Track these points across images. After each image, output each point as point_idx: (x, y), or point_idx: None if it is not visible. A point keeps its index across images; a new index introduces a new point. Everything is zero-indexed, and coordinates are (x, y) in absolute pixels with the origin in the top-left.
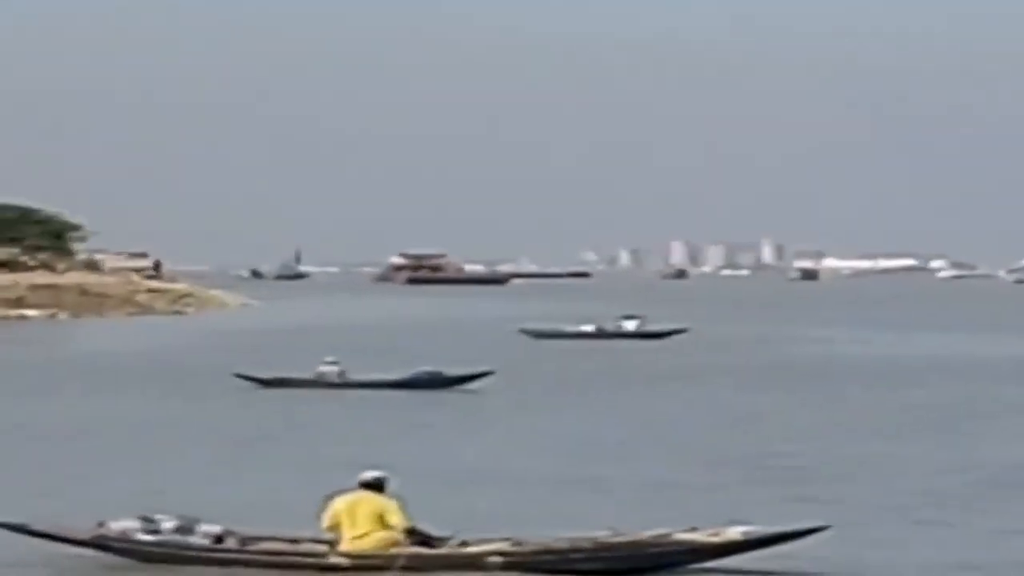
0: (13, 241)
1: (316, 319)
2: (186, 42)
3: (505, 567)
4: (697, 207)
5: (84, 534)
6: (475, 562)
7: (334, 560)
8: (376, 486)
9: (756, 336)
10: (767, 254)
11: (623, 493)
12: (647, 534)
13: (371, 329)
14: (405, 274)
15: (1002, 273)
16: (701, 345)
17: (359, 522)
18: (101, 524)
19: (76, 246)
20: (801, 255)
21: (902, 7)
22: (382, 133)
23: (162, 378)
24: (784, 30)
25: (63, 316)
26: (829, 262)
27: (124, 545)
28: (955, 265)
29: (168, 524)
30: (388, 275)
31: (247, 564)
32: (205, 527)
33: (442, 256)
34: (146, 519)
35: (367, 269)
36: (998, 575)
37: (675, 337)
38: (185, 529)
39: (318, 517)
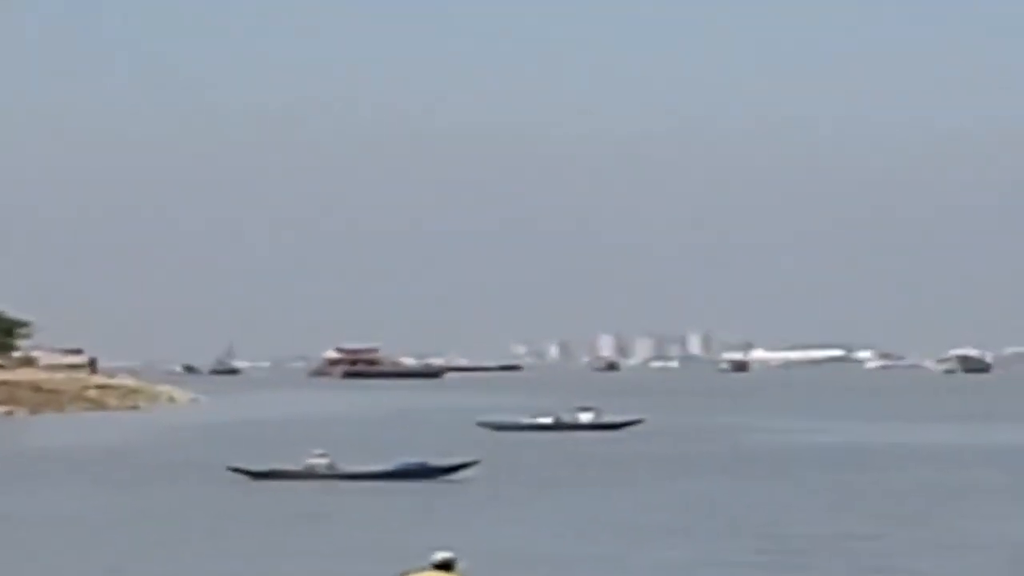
0: None
1: (270, 413)
2: (114, 141)
3: None
4: (624, 300)
5: None
6: None
7: None
8: (447, 566)
9: (709, 427)
10: (695, 345)
11: (634, 571)
12: None
13: (330, 422)
14: (341, 368)
15: (930, 363)
16: (659, 436)
17: None
18: None
19: (19, 343)
20: (729, 346)
21: (821, 100)
22: (308, 228)
23: (159, 473)
24: (710, 124)
25: (20, 413)
26: (757, 353)
27: None
28: (882, 355)
29: None
30: (324, 369)
31: None
32: None
33: (376, 350)
34: None
35: (297, 364)
36: None
37: (631, 428)
38: None
39: None
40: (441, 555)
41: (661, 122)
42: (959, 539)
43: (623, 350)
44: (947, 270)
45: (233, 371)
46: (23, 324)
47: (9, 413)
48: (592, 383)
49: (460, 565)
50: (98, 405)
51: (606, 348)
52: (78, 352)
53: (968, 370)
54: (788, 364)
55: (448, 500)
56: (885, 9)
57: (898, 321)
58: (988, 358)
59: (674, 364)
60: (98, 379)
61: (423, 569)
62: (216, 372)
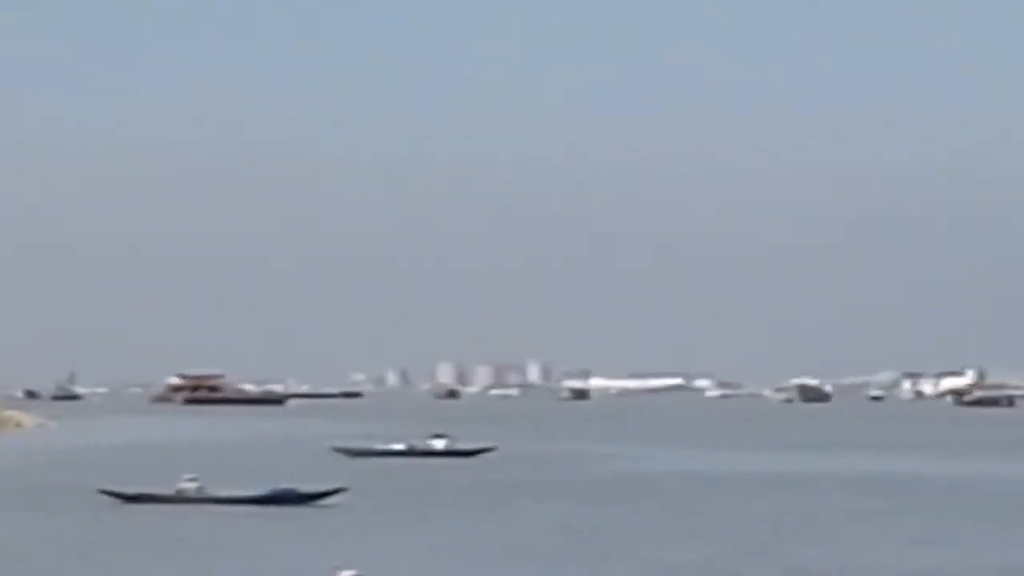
0: None
1: (121, 438)
2: None
3: None
4: (463, 327)
5: None
6: None
7: None
8: None
9: (560, 454)
10: (534, 373)
11: None
12: None
13: (183, 448)
14: (184, 394)
15: (768, 392)
16: (512, 463)
17: None
18: None
19: None
20: (568, 375)
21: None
22: (146, 254)
23: (28, 496)
24: (557, 154)
25: None
26: (596, 381)
27: None
28: (721, 384)
29: None
30: (166, 395)
31: None
32: None
33: (220, 376)
34: None
35: (135, 390)
36: None
37: (483, 455)
38: None
39: None
40: (347, 573)
41: (506, 149)
42: (825, 563)
43: (462, 378)
44: (786, 300)
45: (74, 396)
46: None
47: None
48: (433, 410)
49: None
50: None
51: (445, 375)
52: None
53: (807, 399)
54: (627, 392)
55: (319, 524)
56: None
57: (736, 350)
58: (827, 387)
59: (514, 392)
60: None
61: None
62: (57, 398)
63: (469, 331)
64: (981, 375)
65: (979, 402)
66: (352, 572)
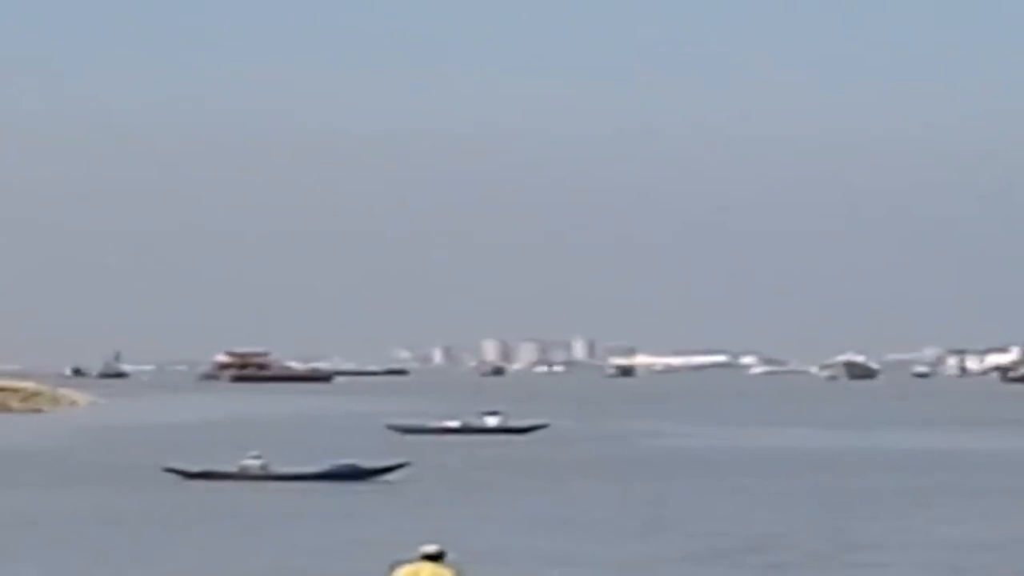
0: None
1: (174, 416)
2: None
3: None
4: (508, 305)
5: None
6: None
7: None
8: (437, 557)
9: (612, 431)
10: (579, 350)
11: (586, 565)
12: None
13: (238, 425)
14: (231, 372)
15: (814, 369)
16: (566, 440)
17: None
18: None
19: None
20: (613, 352)
21: (703, 105)
22: (190, 231)
23: (95, 473)
24: (595, 127)
25: None
26: (641, 358)
27: None
28: (766, 361)
29: None
30: (213, 373)
31: None
32: None
33: (266, 354)
34: None
35: (180, 367)
36: None
37: (536, 432)
38: None
39: None
40: (430, 547)
41: (549, 123)
42: (876, 540)
43: (507, 355)
44: (831, 277)
45: (121, 375)
46: None
47: None
48: (479, 388)
49: (448, 557)
50: (1, 408)
51: (490, 353)
52: None
53: (853, 376)
54: (672, 369)
55: (384, 500)
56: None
57: (781, 327)
58: (873, 364)
59: (559, 369)
60: None
61: (414, 561)
62: (104, 376)
63: (514, 309)
64: None
65: None
66: (436, 546)
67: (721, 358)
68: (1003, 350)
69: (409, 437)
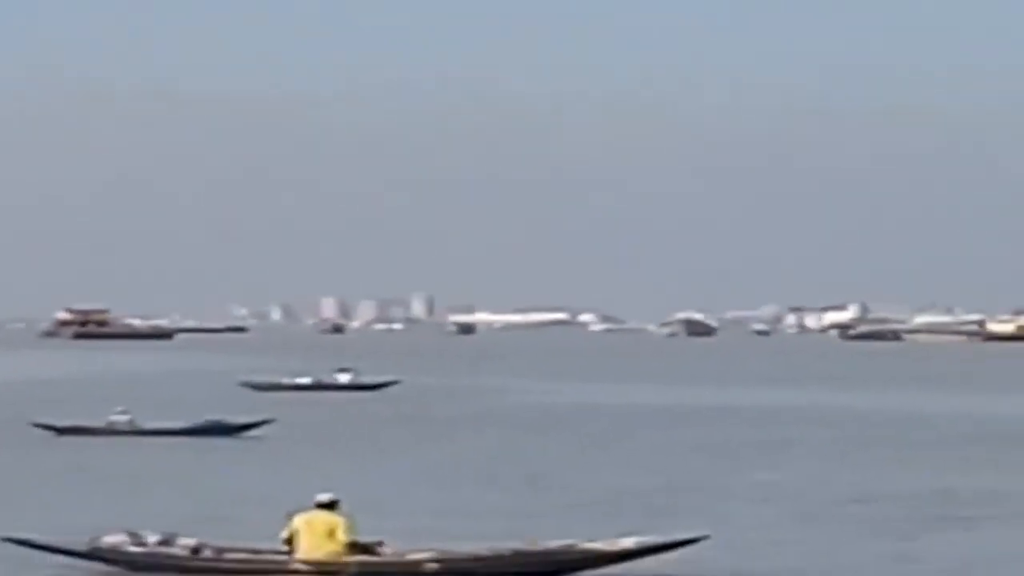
0: None
1: (19, 373)
2: None
3: (439, 573)
4: (346, 262)
5: (81, 546)
6: (414, 569)
7: (295, 567)
8: (330, 506)
9: (462, 388)
10: (418, 308)
11: (459, 515)
12: (556, 544)
13: (89, 382)
14: (72, 329)
15: (652, 327)
16: (417, 397)
17: (314, 535)
18: (95, 539)
19: None
20: (452, 309)
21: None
22: (26, 191)
23: None
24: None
25: None
26: (481, 315)
27: (116, 556)
28: (605, 319)
29: (152, 538)
30: (54, 330)
31: (221, 572)
32: (183, 540)
33: (106, 311)
34: (133, 534)
35: (18, 325)
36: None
37: (388, 389)
38: (166, 542)
39: (279, 531)
40: (324, 496)
41: (382, 76)
42: (744, 490)
43: (346, 312)
44: (670, 235)
45: None
46: None
47: None
48: (320, 345)
49: (341, 506)
50: None
51: (329, 310)
52: None
53: (692, 333)
54: (512, 327)
55: (254, 454)
56: None
57: (620, 286)
58: (712, 322)
59: (399, 327)
60: None
61: (309, 509)
62: None
63: (352, 266)
64: (864, 309)
65: (864, 336)
66: (329, 495)
67: (561, 316)
68: (841, 308)
69: (263, 394)
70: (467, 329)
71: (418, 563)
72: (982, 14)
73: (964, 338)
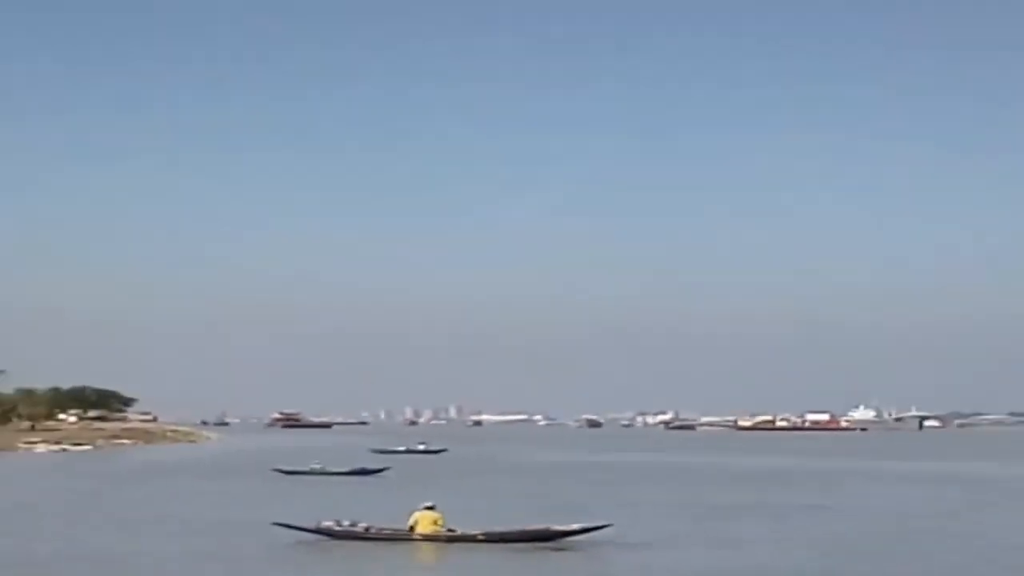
0: (98, 406)
1: (260, 445)
2: None
3: (483, 540)
4: (416, 388)
5: (311, 526)
6: (471, 538)
7: (417, 536)
8: (431, 507)
9: (479, 452)
10: (452, 412)
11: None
12: (533, 526)
13: (291, 449)
14: (281, 423)
15: (571, 423)
16: (458, 456)
17: (427, 522)
18: (317, 523)
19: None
20: (470, 412)
21: None
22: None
23: (227, 470)
24: None
25: (139, 443)
26: (485, 416)
27: (328, 531)
28: (547, 418)
29: (345, 522)
30: (272, 423)
31: (381, 539)
32: (360, 523)
33: (298, 413)
34: (336, 521)
35: (253, 420)
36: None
37: (443, 454)
38: (353, 524)
39: (406, 521)
40: (429, 503)
41: None
42: (621, 500)
43: (417, 414)
44: (579, 373)
45: (226, 424)
46: (132, 400)
47: (135, 443)
48: (406, 432)
49: (436, 508)
50: (175, 439)
51: (408, 413)
52: (148, 414)
53: (590, 426)
54: (501, 423)
55: (384, 486)
56: None
57: (553, 399)
58: (600, 419)
59: (443, 422)
60: (169, 427)
61: (420, 509)
62: (217, 424)
63: (419, 388)
64: (676, 413)
65: (676, 427)
66: (431, 502)
67: (523, 416)
68: (664, 412)
69: (383, 455)
70: (478, 424)
71: (473, 536)
72: None
73: (727, 429)
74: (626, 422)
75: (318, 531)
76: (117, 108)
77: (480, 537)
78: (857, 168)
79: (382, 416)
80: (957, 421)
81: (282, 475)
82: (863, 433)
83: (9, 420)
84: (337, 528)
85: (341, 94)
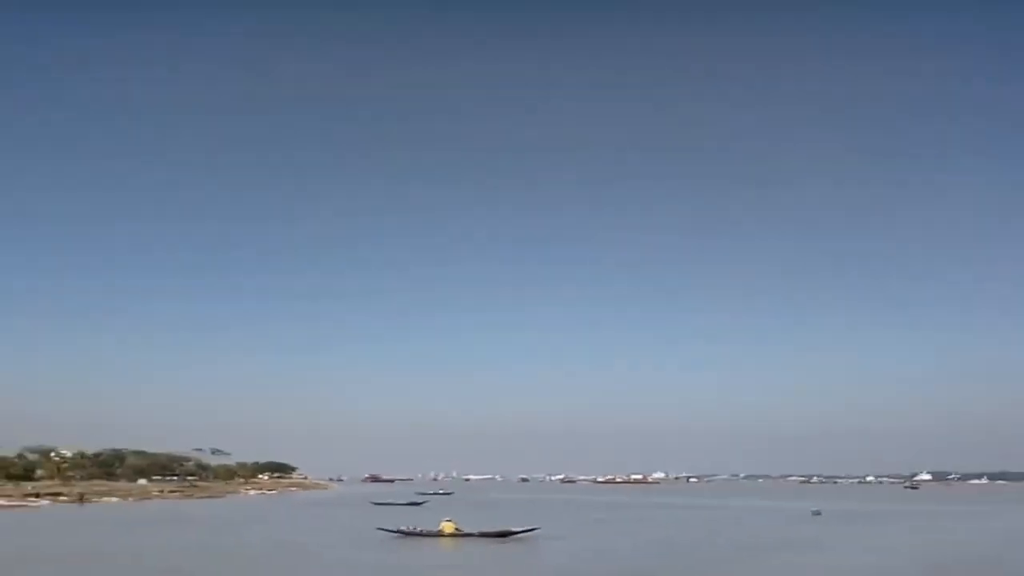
0: (278, 470)
1: (361, 491)
2: None
3: (479, 536)
4: (444, 460)
5: (395, 529)
6: (472, 535)
7: (446, 535)
8: (450, 520)
9: (481, 496)
10: (455, 473)
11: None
12: (504, 528)
13: (376, 494)
14: (370, 480)
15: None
16: (463, 498)
17: (447, 526)
18: (398, 528)
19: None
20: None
21: None
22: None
23: (345, 504)
24: None
25: (299, 490)
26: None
27: (406, 532)
28: (521, 479)
29: (410, 527)
30: (366, 481)
31: (426, 536)
32: (418, 528)
33: (379, 473)
34: (407, 527)
35: (344, 477)
36: None
37: (452, 495)
38: (414, 528)
39: (438, 525)
40: (448, 517)
41: None
42: (563, 518)
43: (436, 476)
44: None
45: (341, 479)
46: (294, 468)
47: (297, 489)
48: (432, 487)
49: (454, 518)
50: (316, 488)
51: (434, 475)
52: (302, 474)
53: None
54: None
55: (428, 510)
56: None
57: (533, 462)
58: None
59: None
60: (313, 481)
61: (445, 520)
62: (336, 479)
63: (448, 458)
64: (567, 474)
65: (566, 482)
66: (450, 517)
67: (497, 477)
68: (560, 473)
69: (423, 495)
70: (467, 480)
71: (472, 533)
72: None
73: (591, 483)
74: (541, 478)
75: (398, 531)
76: None
77: (476, 534)
78: None
79: (419, 475)
80: (705, 478)
81: (376, 505)
82: (657, 485)
83: (232, 478)
84: (407, 530)
85: None
